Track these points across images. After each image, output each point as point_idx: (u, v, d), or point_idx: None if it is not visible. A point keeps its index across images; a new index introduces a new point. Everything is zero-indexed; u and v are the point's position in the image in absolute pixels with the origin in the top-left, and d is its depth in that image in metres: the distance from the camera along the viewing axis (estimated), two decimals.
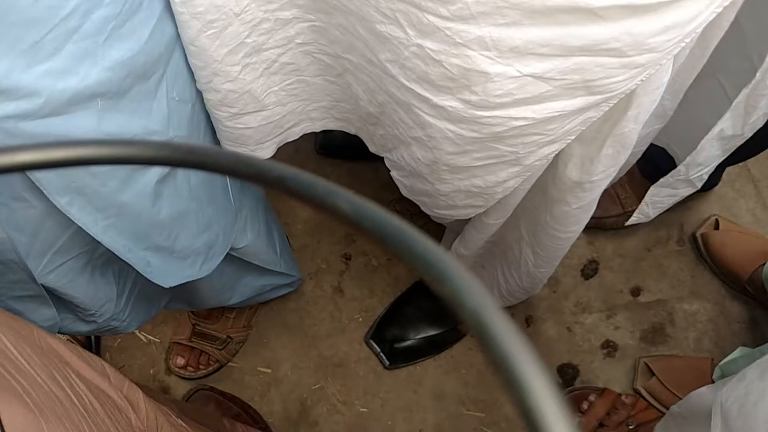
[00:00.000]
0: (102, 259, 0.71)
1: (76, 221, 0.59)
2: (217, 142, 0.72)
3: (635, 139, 0.56)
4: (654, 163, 1.07)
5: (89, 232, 0.60)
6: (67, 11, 0.45)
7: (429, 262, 0.19)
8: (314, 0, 0.55)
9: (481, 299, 0.18)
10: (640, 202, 1.22)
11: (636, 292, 1.24)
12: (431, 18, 0.47)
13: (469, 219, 0.83)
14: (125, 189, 0.60)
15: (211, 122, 0.69)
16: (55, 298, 0.73)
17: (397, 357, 1.18)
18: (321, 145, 1.32)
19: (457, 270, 0.19)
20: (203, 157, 0.24)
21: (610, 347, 1.20)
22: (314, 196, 0.22)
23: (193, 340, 1.18)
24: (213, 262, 0.78)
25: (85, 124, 0.52)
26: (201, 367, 1.18)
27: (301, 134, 0.77)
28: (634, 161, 0.87)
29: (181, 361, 1.18)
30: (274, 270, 1.00)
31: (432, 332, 1.20)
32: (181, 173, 0.67)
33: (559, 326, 1.21)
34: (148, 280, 0.72)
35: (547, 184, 0.68)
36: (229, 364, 1.20)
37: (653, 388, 1.13)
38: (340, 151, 1.32)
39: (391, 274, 1.26)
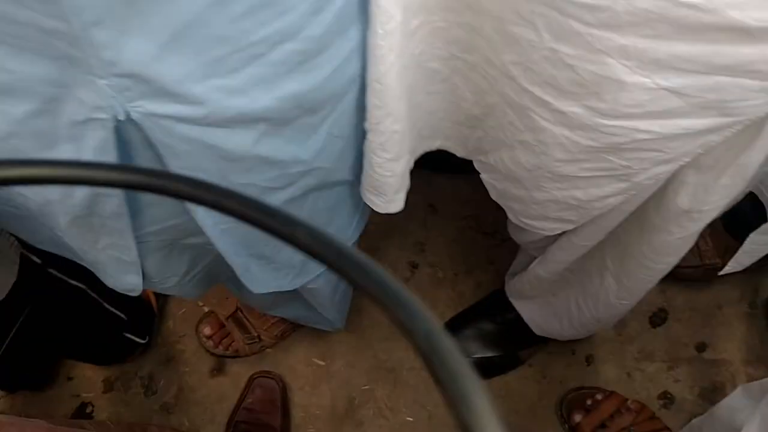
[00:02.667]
0: (182, 246, 0.73)
1: (198, 221, 0.59)
2: (355, 174, 0.72)
3: (754, 172, 0.56)
4: (740, 215, 1.05)
5: (206, 232, 0.61)
6: (258, 37, 0.45)
7: (383, 288, 0.20)
8: None
9: (431, 323, 0.19)
10: (718, 255, 1.20)
11: (701, 347, 1.21)
12: (573, 23, 0.47)
13: (555, 240, 0.82)
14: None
15: (354, 157, 0.69)
16: None
17: None
18: None
19: (409, 295, 0.19)
20: (163, 182, 0.25)
21: (667, 399, 1.18)
22: (272, 224, 0.23)
23: (229, 320, 1.20)
24: (302, 279, 0.80)
25: (240, 141, 0.52)
26: (221, 347, 1.20)
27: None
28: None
29: (208, 331, 1.21)
30: (320, 313, 1.01)
31: (488, 354, 1.19)
32: (313, 194, 0.67)
33: (619, 370, 1.19)
34: (218, 265, 0.74)
35: (648, 212, 0.67)
36: (287, 350, 1.21)
37: None
38: (423, 160, 1.33)
39: (456, 290, 1.26)
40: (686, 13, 0.42)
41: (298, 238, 0.22)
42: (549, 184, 0.65)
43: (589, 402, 1.11)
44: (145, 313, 1.21)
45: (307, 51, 0.49)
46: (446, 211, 1.32)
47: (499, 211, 0.80)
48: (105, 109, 0.44)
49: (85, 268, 0.78)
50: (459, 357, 0.18)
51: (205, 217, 0.59)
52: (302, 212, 0.67)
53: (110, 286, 0.77)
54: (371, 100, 0.58)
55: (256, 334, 1.18)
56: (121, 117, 0.45)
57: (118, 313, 1.09)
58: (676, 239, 0.65)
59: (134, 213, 0.60)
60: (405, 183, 0.72)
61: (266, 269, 0.74)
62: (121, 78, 0.42)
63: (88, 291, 1.02)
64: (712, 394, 1.18)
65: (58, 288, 0.96)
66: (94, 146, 0.47)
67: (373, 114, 0.59)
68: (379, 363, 1.21)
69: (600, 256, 0.80)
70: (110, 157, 0.48)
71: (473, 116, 0.66)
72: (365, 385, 1.19)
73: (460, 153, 0.77)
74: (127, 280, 0.73)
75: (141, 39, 0.41)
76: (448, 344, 0.19)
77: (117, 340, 1.12)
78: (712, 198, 0.59)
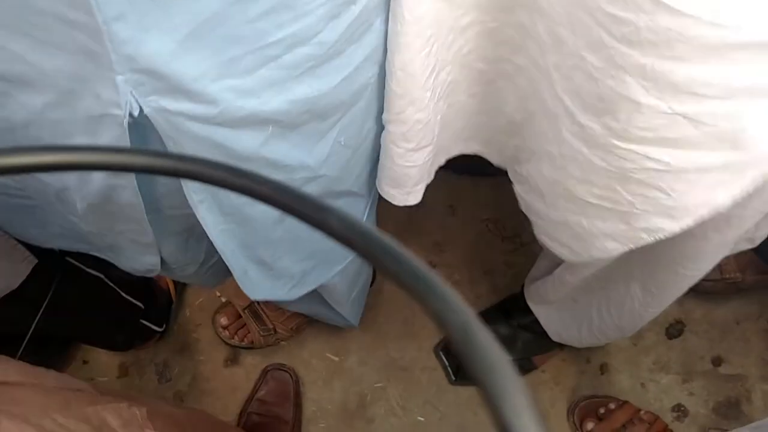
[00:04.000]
0: (202, 233, 0.74)
1: (199, 218, 0.60)
2: (359, 186, 0.72)
3: None
4: None
5: (206, 230, 0.62)
6: (273, 39, 0.45)
7: (416, 278, 0.19)
8: None
9: (468, 315, 0.18)
10: (739, 271, 1.20)
11: (717, 362, 1.20)
12: (602, 33, 0.46)
13: None
14: (256, 203, 0.61)
15: (361, 168, 0.69)
16: None
17: (464, 375, 1.18)
18: None
19: (443, 287, 0.19)
20: (196, 167, 0.24)
21: (680, 412, 1.17)
22: (303, 211, 0.22)
23: (245, 312, 1.21)
24: (301, 290, 0.79)
25: (247, 143, 0.52)
26: (236, 337, 1.21)
27: (434, 173, 0.76)
28: None
29: (224, 321, 1.21)
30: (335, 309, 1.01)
31: None
32: None
33: (633, 380, 1.19)
34: None
35: None
36: (302, 344, 1.22)
37: None
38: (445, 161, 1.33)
39: (473, 292, 1.25)
40: (708, 32, 0.41)
41: (330, 226, 0.21)
42: (563, 203, 0.64)
43: (601, 410, 1.11)
44: (163, 301, 1.21)
45: (321, 56, 0.49)
46: (466, 213, 1.31)
47: (518, 216, 0.80)
48: (120, 105, 0.45)
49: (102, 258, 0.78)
50: (498, 351, 0.18)
51: (207, 215, 0.60)
52: None
53: (127, 270, 0.77)
54: (393, 89, 0.57)
55: (271, 327, 1.19)
56: (135, 113, 0.46)
57: (135, 301, 1.10)
58: (713, 245, 0.64)
59: (150, 202, 0.60)
60: (425, 175, 0.71)
61: (264, 275, 0.73)
62: (139, 74, 0.43)
63: (105, 280, 1.03)
64: (726, 409, 1.17)
65: (76, 276, 0.97)
66: (110, 140, 0.48)
67: (394, 103, 0.59)
68: (392, 361, 1.21)
69: (627, 264, 0.79)
70: None
71: (514, 122, 0.65)
72: (378, 383, 1.19)
73: (495, 160, 0.76)
74: (144, 261, 0.73)
75: (160, 35, 0.41)
76: (485, 337, 0.18)
77: (134, 328, 1.13)
78: (754, 203, 0.58)
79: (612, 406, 1.11)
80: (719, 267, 1.20)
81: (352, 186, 0.70)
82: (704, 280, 1.20)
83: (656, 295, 0.77)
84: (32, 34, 0.40)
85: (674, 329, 1.22)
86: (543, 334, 1.11)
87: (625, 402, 1.12)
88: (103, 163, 0.27)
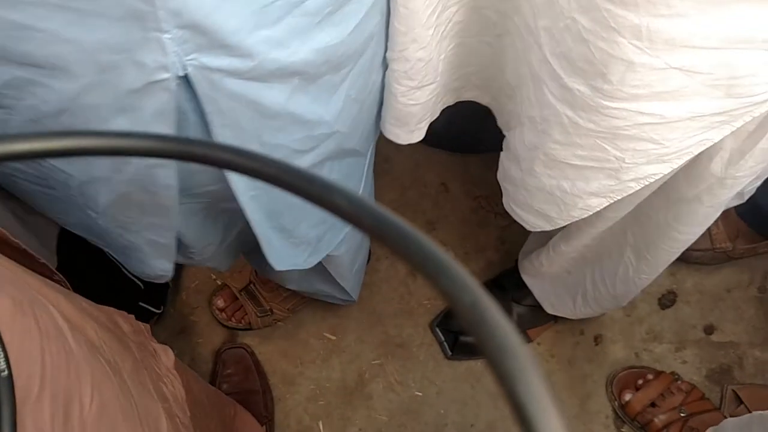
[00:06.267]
0: (218, 209, 0.74)
1: (232, 183, 0.60)
2: (362, 145, 0.73)
3: None
4: (753, 204, 1.06)
5: (238, 198, 0.62)
6: None
7: (425, 257, 0.19)
8: None
9: (478, 294, 0.18)
10: (730, 240, 1.21)
11: (709, 330, 1.22)
12: None
13: None
14: None
15: (364, 126, 0.70)
16: None
17: (460, 349, 1.19)
18: None
19: (453, 265, 0.19)
20: (204, 150, 0.24)
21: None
22: (312, 192, 0.22)
23: (242, 293, 1.21)
24: (316, 257, 0.80)
25: (277, 97, 0.53)
26: (233, 319, 1.22)
27: (440, 111, 0.77)
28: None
29: (221, 303, 1.22)
30: (338, 283, 1.01)
31: None
32: (329, 163, 0.68)
33: (627, 350, 1.20)
34: (246, 234, 0.74)
35: (676, 181, 0.67)
36: (299, 324, 1.22)
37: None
38: (437, 139, 1.33)
39: (468, 268, 1.23)
40: None
41: (338, 205, 0.21)
42: (540, 169, 0.65)
43: (639, 381, 1.13)
44: (159, 283, 1.21)
45: (335, 1, 0.50)
46: (458, 190, 1.32)
47: None
48: (168, 67, 0.45)
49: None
50: (510, 330, 0.17)
51: (238, 182, 0.60)
52: None
53: (137, 274, 0.77)
54: (396, 26, 0.58)
55: (268, 308, 1.19)
56: (181, 73, 0.46)
57: (135, 280, 1.10)
58: (706, 207, 0.65)
59: (182, 180, 0.61)
60: (428, 112, 0.72)
61: (285, 244, 0.74)
62: (184, 29, 0.43)
63: (110, 253, 1.01)
64: (719, 375, 1.19)
65: (80, 245, 0.96)
66: (153, 111, 0.48)
67: (397, 41, 0.59)
68: (389, 338, 1.22)
69: (621, 231, 0.80)
70: (168, 120, 0.49)
71: (510, 86, 0.66)
72: (375, 360, 1.21)
73: (499, 121, 0.77)
74: (157, 265, 0.73)
75: None
76: (496, 316, 0.18)
77: (132, 310, 1.13)
78: (749, 163, 0.59)
79: (650, 376, 1.14)
80: (710, 237, 1.21)
81: (356, 144, 0.71)
82: (695, 249, 1.22)
83: (650, 261, 0.78)
84: (69, 6, 0.40)
85: (666, 299, 1.23)
86: (537, 307, 1.12)
87: (662, 372, 1.14)
88: (117, 148, 0.27)
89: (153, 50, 0.43)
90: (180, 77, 0.46)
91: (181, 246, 0.81)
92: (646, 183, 0.60)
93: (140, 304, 1.14)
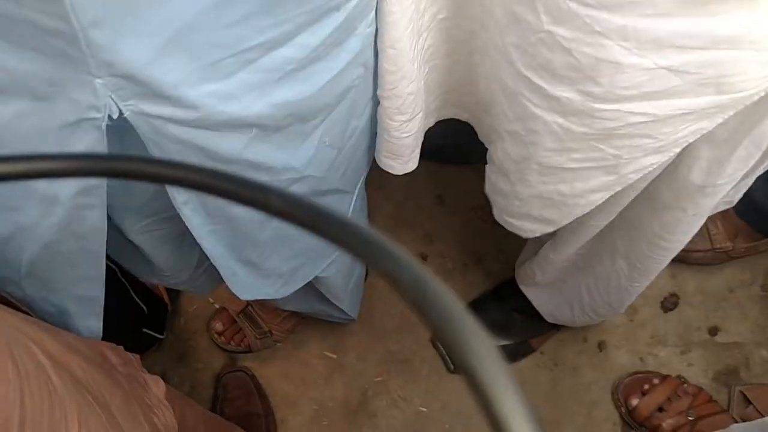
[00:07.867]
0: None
1: (184, 219, 0.60)
2: (346, 184, 0.72)
3: None
4: (752, 202, 1.05)
5: (192, 232, 0.61)
6: (253, 44, 0.45)
7: (366, 244, 0.19)
8: None
9: (419, 271, 0.17)
10: (729, 240, 1.20)
11: (714, 331, 1.21)
12: (572, 4, 0.47)
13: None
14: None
15: (346, 167, 0.69)
16: (137, 252, 0.75)
17: None
18: None
19: (392, 246, 0.18)
20: (132, 165, 0.23)
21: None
22: (237, 191, 0.21)
23: (240, 316, 1.21)
24: (291, 287, 0.79)
25: (230, 146, 0.52)
26: (233, 342, 1.21)
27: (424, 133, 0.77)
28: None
29: (219, 327, 1.21)
30: (334, 304, 1.00)
31: (499, 343, 1.19)
32: None
33: (632, 355, 1.19)
34: None
35: (659, 190, 0.67)
36: (299, 344, 1.22)
37: (751, 417, 1.10)
38: (430, 152, 1.33)
39: (466, 280, 1.26)
40: None
41: (268, 203, 0.21)
42: (534, 178, 0.65)
43: (645, 386, 1.12)
44: (160, 308, 1.21)
45: (302, 59, 0.49)
46: (454, 202, 1.31)
47: None
48: (99, 108, 0.44)
49: (117, 250, 0.76)
50: (451, 299, 0.17)
51: (193, 216, 0.59)
52: None
53: (73, 331, 0.74)
54: (385, 66, 0.58)
55: (267, 329, 1.19)
56: (114, 116, 0.45)
57: (141, 304, 1.09)
58: (690, 216, 0.65)
59: (144, 204, 0.60)
60: (420, 139, 0.72)
61: (252, 276, 0.73)
62: (117, 78, 0.42)
63: (119, 274, 1.01)
64: (726, 377, 1.17)
65: None
66: (86, 147, 0.47)
67: (387, 80, 0.59)
68: (390, 355, 1.21)
69: (610, 239, 0.79)
70: None
71: (485, 102, 0.66)
72: (377, 377, 1.20)
73: (479, 134, 0.77)
74: (86, 326, 0.70)
75: (138, 41, 0.41)
76: (438, 288, 0.17)
77: (137, 336, 1.12)
78: (727, 171, 0.59)
79: (656, 381, 1.12)
80: (709, 237, 1.20)
81: (338, 185, 0.70)
82: (695, 251, 1.21)
83: (640, 269, 0.77)
84: (7, 39, 0.40)
85: (669, 302, 1.22)
86: (537, 316, 1.11)
87: (668, 376, 1.13)
88: (63, 169, 0.26)
89: (85, 90, 0.43)
90: (115, 118, 0.45)
91: (154, 268, 0.80)
92: (646, 173, 0.60)
93: (144, 330, 1.13)
